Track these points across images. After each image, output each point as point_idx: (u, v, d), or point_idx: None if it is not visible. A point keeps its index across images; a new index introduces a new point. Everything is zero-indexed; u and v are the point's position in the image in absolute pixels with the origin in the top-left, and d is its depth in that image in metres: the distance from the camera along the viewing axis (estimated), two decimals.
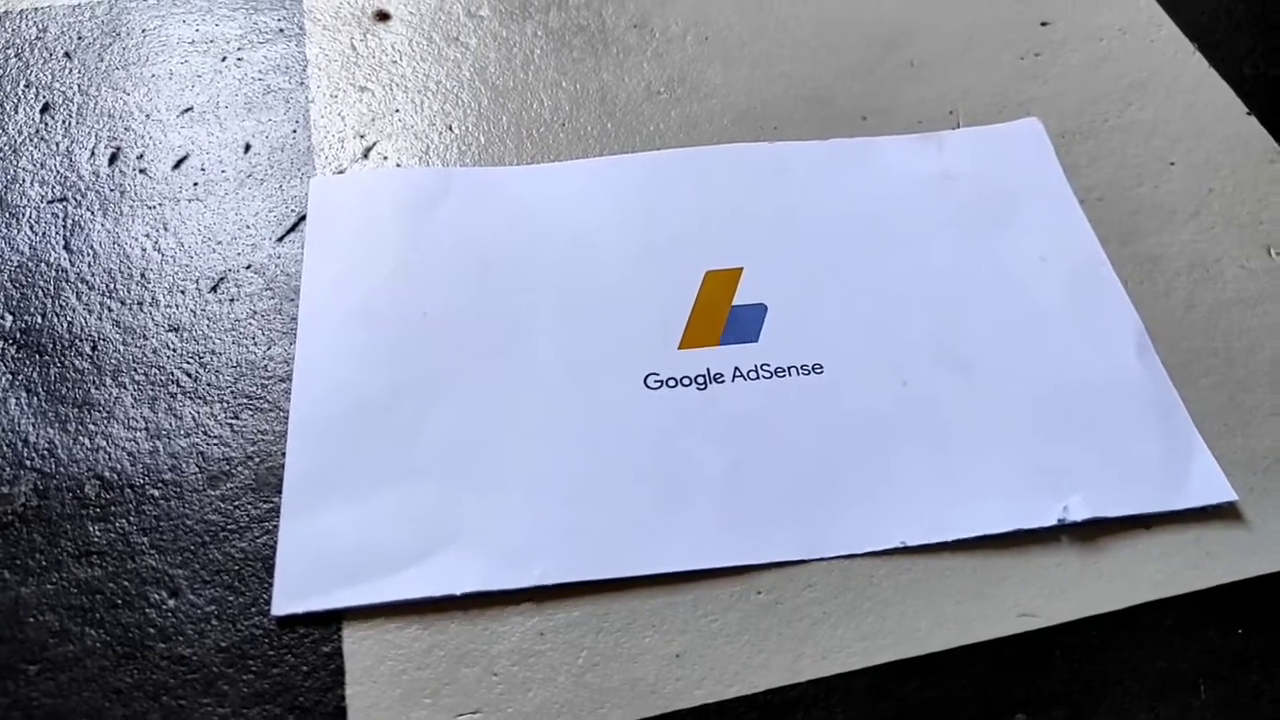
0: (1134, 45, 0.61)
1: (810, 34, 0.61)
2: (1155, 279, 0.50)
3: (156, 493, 0.42)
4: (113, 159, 0.53)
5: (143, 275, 0.49)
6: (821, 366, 0.46)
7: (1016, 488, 0.42)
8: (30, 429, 0.44)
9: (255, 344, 0.46)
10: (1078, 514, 0.41)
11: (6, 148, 0.54)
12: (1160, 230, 0.52)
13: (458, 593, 0.39)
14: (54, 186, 0.52)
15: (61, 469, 0.43)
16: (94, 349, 0.46)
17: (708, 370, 0.46)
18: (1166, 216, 0.52)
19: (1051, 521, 0.41)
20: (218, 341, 0.47)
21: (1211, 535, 0.42)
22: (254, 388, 0.45)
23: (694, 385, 0.45)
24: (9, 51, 0.58)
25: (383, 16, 0.61)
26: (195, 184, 0.53)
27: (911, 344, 0.47)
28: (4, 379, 0.45)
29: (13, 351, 0.46)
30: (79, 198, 0.52)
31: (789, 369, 0.46)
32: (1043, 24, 0.62)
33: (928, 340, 0.47)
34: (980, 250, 0.51)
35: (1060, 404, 0.45)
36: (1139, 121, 0.57)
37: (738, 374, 0.46)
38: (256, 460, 0.43)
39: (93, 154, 0.54)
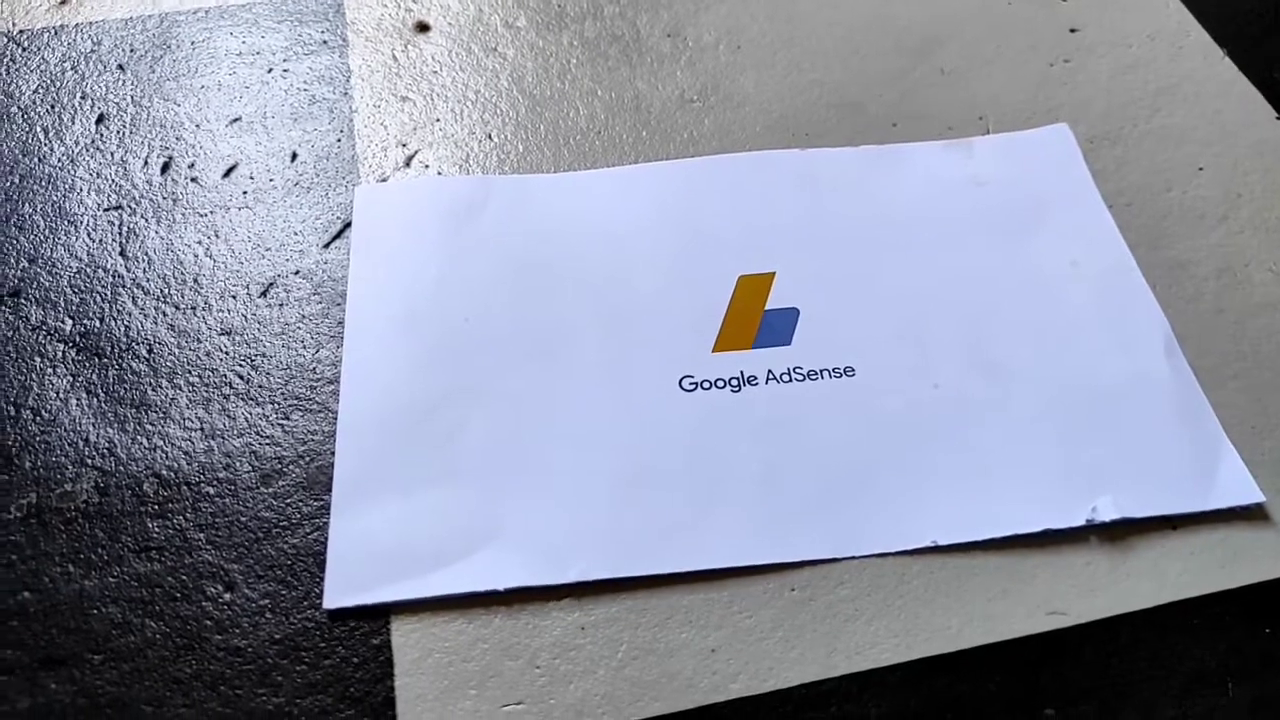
0: (1162, 51, 0.61)
1: (841, 42, 0.62)
2: (1184, 283, 0.51)
3: (212, 490, 0.44)
4: (165, 168, 0.55)
5: (195, 280, 0.51)
6: (853, 369, 0.47)
7: (1046, 488, 0.43)
8: (91, 429, 0.45)
9: (304, 347, 0.48)
10: (1106, 514, 0.42)
11: (65, 157, 0.56)
12: (1189, 235, 0.52)
13: (501, 588, 0.41)
14: (110, 195, 0.54)
15: (121, 467, 0.44)
16: (150, 352, 0.48)
17: (741, 373, 0.47)
18: (1195, 221, 0.53)
19: (1080, 522, 0.42)
20: (268, 345, 0.48)
21: (1239, 536, 0.42)
22: (303, 389, 0.47)
23: (728, 388, 0.47)
24: (65, 64, 0.60)
25: (423, 28, 0.63)
26: (245, 192, 0.54)
27: (942, 347, 0.48)
28: (65, 381, 0.47)
29: (73, 355, 0.48)
30: (133, 206, 0.54)
31: (821, 372, 0.47)
32: (1071, 30, 0.62)
33: (958, 343, 0.48)
34: (1010, 255, 0.52)
35: (1089, 406, 0.46)
36: (1168, 127, 0.57)
37: (771, 377, 0.47)
38: (307, 459, 0.45)
39: (146, 163, 0.56)
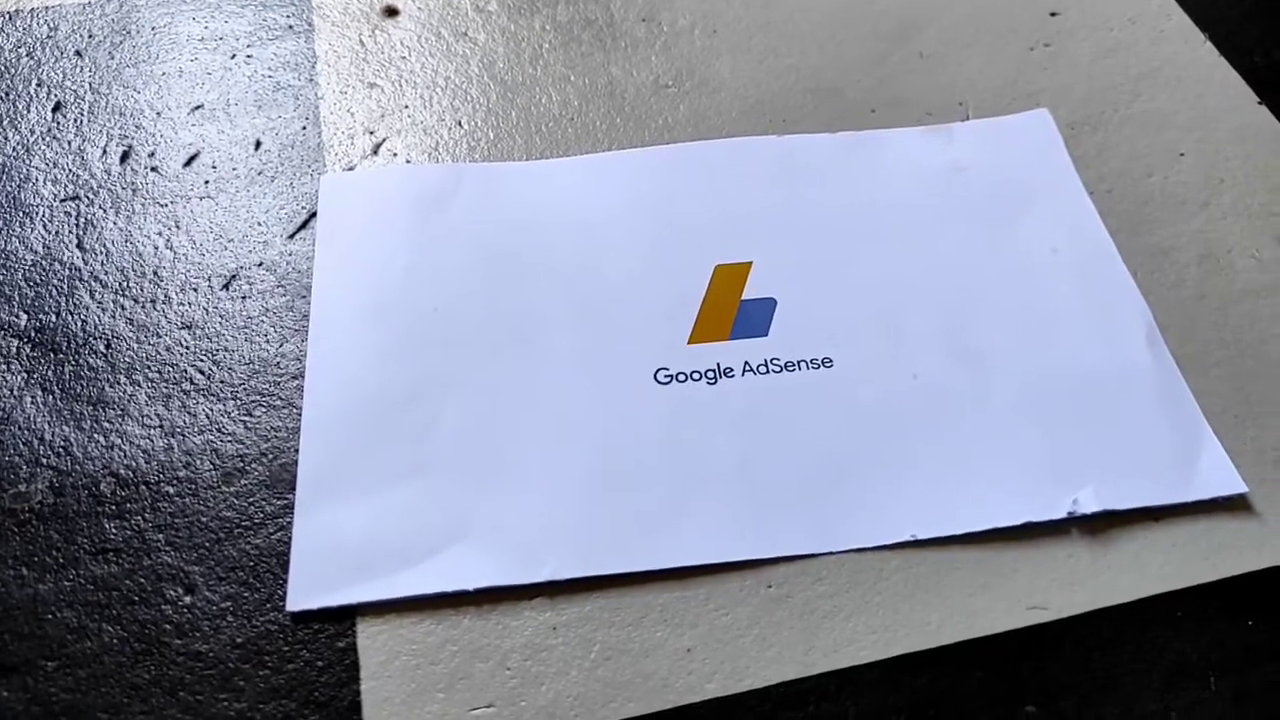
0: (1144, 35, 0.61)
1: (818, 26, 0.61)
2: (1165, 270, 0.50)
3: (171, 490, 0.42)
4: (124, 157, 0.54)
5: (155, 273, 0.49)
6: (831, 360, 0.46)
7: (1027, 481, 0.43)
8: (46, 427, 0.44)
9: (268, 341, 0.47)
10: (1088, 506, 0.41)
11: (20, 146, 0.54)
12: (1171, 221, 0.52)
13: (470, 588, 0.40)
14: (66, 185, 0.52)
15: (77, 466, 0.43)
16: (108, 347, 0.47)
17: (718, 365, 0.46)
18: (1177, 207, 0.52)
19: (1061, 514, 0.42)
20: (230, 339, 0.47)
21: (1221, 527, 0.42)
22: (267, 385, 0.45)
23: (704, 380, 0.46)
24: (20, 50, 0.59)
25: (391, 12, 0.61)
26: (206, 182, 0.53)
27: (921, 337, 0.47)
28: (19, 377, 0.46)
29: (28, 350, 0.46)
30: (91, 196, 0.52)
31: (799, 363, 0.46)
32: (1052, 14, 0.62)
33: (937, 333, 0.47)
34: (990, 242, 0.51)
35: (1070, 396, 0.45)
36: (1149, 112, 0.57)
37: (747, 368, 0.46)
38: (270, 457, 0.43)
39: (104, 152, 0.54)
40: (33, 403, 0.45)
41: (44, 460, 0.43)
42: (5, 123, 0.55)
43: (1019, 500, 0.42)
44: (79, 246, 0.50)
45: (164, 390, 0.45)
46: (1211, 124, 0.56)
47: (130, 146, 0.54)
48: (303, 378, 0.45)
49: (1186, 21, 0.61)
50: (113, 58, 0.59)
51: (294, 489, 0.42)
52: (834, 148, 0.55)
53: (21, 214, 0.51)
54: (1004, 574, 0.41)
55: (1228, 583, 0.41)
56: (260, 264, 0.50)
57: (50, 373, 0.46)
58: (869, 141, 0.55)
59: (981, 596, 0.40)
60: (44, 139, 0.54)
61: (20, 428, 0.44)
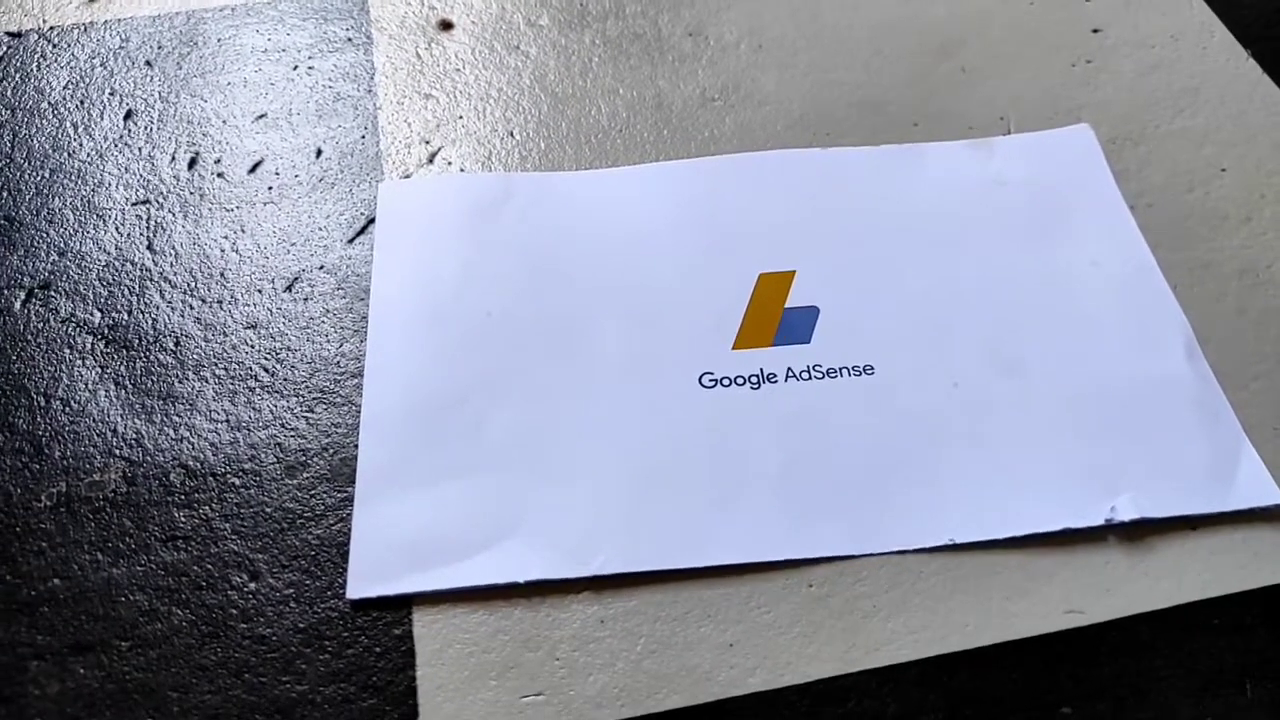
0: (1186, 52, 0.61)
1: (862, 41, 0.62)
2: (1206, 284, 0.50)
3: (237, 481, 0.44)
4: (192, 163, 0.56)
5: (222, 274, 0.51)
6: (873, 368, 0.47)
7: (1065, 488, 0.43)
8: (119, 420, 0.46)
9: (328, 341, 0.49)
10: (1125, 514, 0.42)
11: (93, 152, 0.56)
12: (1211, 236, 0.52)
13: (521, 580, 0.41)
14: (137, 189, 0.55)
15: (148, 458, 0.45)
16: (177, 344, 0.49)
17: (761, 370, 0.47)
18: (1218, 223, 0.53)
19: (1099, 521, 0.42)
20: (293, 338, 0.49)
21: (1258, 537, 0.42)
22: (327, 383, 0.47)
23: (748, 384, 0.47)
24: (94, 61, 0.61)
25: (446, 26, 0.63)
26: (270, 188, 0.55)
27: (962, 346, 0.48)
28: (94, 372, 0.48)
29: (101, 346, 0.49)
30: (161, 200, 0.54)
31: (841, 370, 0.47)
32: (1094, 31, 0.62)
33: (978, 343, 0.48)
34: (1031, 255, 0.52)
35: (1109, 406, 0.46)
36: (1190, 128, 0.57)
37: (790, 374, 0.47)
38: (330, 452, 0.45)
39: (173, 158, 0.56)
40: (106, 396, 0.47)
41: (117, 451, 0.45)
42: (80, 129, 0.58)
43: (1057, 507, 0.43)
44: (149, 248, 0.52)
45: (230, 386, 0.47)
46: (1253, 140, 0.56)
47: (198, 153, 0.57)
48: (361, 376, 0.47)
49: (1229, 38, 0.62)
50: (180, 68, 0.61)
51: (353, 483, 0.44)
52: (877, 160, 0.56)
53: (95, 217, 0.54)
54: (1041, 578, 0.41)
55: (1265, 592, 0.41)
56: (321, 267, 0.52)
57: (123, 368, 0.48)
58: (911, 154, 0.56)
59: (1019, 600, 0.41)
60: (116, 145, 0.57)
61: (95, 420, 0.46)
